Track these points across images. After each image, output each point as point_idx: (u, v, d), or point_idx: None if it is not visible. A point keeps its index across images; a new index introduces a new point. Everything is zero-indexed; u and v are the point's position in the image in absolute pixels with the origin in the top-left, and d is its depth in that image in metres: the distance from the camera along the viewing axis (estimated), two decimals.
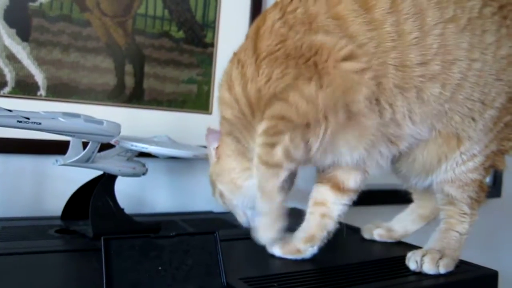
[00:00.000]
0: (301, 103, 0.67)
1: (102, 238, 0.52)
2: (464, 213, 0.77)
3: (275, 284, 0.59)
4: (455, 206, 0.78)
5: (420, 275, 0.70)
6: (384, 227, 0.91)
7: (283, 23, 0.71)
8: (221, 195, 0.82)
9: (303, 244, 0.76)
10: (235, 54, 0.78)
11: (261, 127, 0.70)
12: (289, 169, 0.71)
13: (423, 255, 0.71)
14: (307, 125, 0.67)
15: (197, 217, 1.01)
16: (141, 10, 1.05)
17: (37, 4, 0.94)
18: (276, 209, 0.71)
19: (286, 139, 0.68)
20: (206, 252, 0.59)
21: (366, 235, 0.91)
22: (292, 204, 0.83)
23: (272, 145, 0.69)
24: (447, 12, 0.67)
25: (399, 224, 0.91)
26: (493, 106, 0.72)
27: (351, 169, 0.79)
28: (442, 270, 0.70)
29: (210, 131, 0.85)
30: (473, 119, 0.72)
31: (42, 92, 0.96)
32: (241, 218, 0.83)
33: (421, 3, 0.66)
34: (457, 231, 0.77)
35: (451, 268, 0.72)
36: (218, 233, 0.59)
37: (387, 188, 1.27)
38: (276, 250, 0.75)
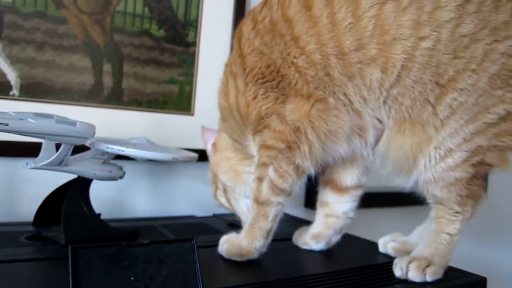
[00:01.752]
0: (279, 126, 0.71)
1: (69, 247, 0.49)
2: (455, 212, 0.73)
3: None
4: (443, 205, 0.73)
5: (406, 282, 0.67)
6: (399, 240, 0.84)
7: (256, 33, 0.75)
8: (224, 189, 0.86)
9: (310, 240, 0.83)
10: (227, 65, 0.82)
11: (256, 157, 0.76)
12: (279, 203, 0.73)
13: (409, 262, 0.69)
14: (289, 148, 0.71)
15: (178, 222, 0.98)
16: (120, 7, 1.01)
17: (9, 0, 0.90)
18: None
19: (270, 171, 0.72)
20: (182, 260, 0.55)
21: (381, 248, 0.84)
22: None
23: (260, 180, 0.74)
24: None
25: (416, 237, 0.83)
26: (456, 87, 0.66)
27: (346, 168, 0.83)
28: (429, 278, 0.68)
29: (205, 129, 0.90)
30: (429, 102, 0.67)
31: (15, 91, 0.91)
32: (244, 217, 0.85)
33: None
34: (447, 233, 0.72)
35: (439, 275, 0.69)
36: (196, 240, 0.56)
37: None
38: (295, 238, 0.85)
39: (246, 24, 0.77)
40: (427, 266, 0.68)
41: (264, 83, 0.74)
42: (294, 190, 0.74)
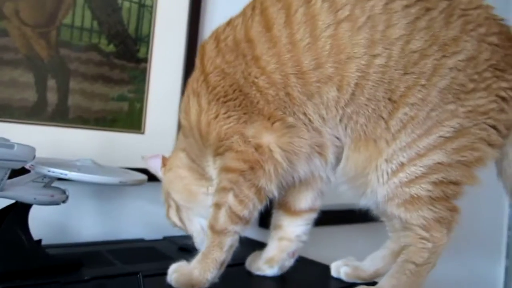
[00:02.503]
0: (242, 146, 0.71)
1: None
2: (422, 238, 0.70)
3: None
4: (411, 230, 0.71)
5: None
6: (352, 265, 0.83)
7: (218, 52, 0.75)
8: (177, 208, 0.83)
9: (263, 264, 0.82)
10: (188, 83, 0.81)
11: (215, 181, 0.75)
12: (236, 232, 0.71)
13: None
14: (252, 169, 0.70)
15: (126, 246, 0.93)
16: (67, 20, 0.97)
17: None
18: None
19: (229, 197, 0.71)
20: None
21: (333, 273, 0.83)
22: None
23: (218, 207, 0.71)
24: (342, 13, 0.68)
25: (369, 262, 0.83)
26: (407, 102, 0.67)
27: (301, 191, 0.83)
28: None
29: (147, 158, 0.88)
30: (382, 118, 0.68)
31: None
32: (198, 236, 0.82)
33: (313, 11, 0.68)
34: (413, 262, 0.70)
35: None
36: (142, 274, 0.53)
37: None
38: (248, 263, 0.83)
39: (209, 43, 0.77)
40: None
41: (226, 102, 0.73)
42: (252, 219, 0.72)
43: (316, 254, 0.94)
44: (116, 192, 1.04)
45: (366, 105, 0.68)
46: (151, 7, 1.07)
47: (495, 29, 0.71)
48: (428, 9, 0.68)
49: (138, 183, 0.81)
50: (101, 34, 1.01)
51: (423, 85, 0.67)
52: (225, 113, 0.72)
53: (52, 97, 0.95)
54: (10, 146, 0.65)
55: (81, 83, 0.98)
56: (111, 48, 1.02)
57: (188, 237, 0.85)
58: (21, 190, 0.72)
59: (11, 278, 0.65)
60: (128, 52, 1.05)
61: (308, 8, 0.69)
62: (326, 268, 0.84)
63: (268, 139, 0.70)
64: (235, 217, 0.70)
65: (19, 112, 0.92)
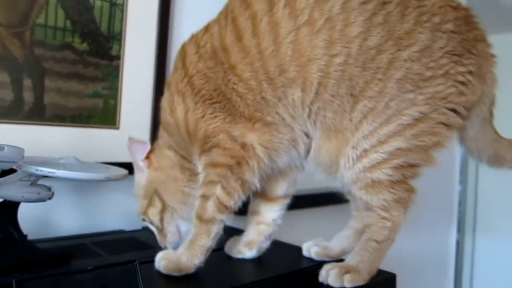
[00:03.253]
0: (228, 143, 0.76)
1: (13, 280, 0.49)
2: (383, 218, 0.77)
3: None
4: (373, 211, 0.77)
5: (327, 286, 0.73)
6: (321, 245, 0.90)
7: (199, 57, 0.79)
8: (164, 209, 0.86)
9: (243, 248, 0.88)
10: (169, 82, 0.85)
11: (201, 175, 0.79)
12: (222, 220, 0.77)
13: (330, 269, 0.74)
14: (239, 164, 0.76)
15: (108, 238, 0.98)
16: (41, 20, 0.98)
17: None
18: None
19: (217, 189, 0.76)
20: (126, 283, 0.57)
21: (305, 252, 0.90)
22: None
23: (206, 198, 0.77)
24: (301, 19, 0.73)
25: (336, 241, 0.90)
26: (365, 95, 0.73)
27: (278, 180, 0.89)
28: (347, 284, 0.73)
29: (133, 140, 0.88)
30: (346, 112, 0.74)
31: None
32: (172, 237, 0.86)
33: (275, 19, 0.73)
34: (375, 240, 0.77)
35: (359, 282, 0.74)
36: (138, 262, 0.58)
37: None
38: (227, 248, 0.89)
39: (190, 47, 0.82)
40: (346, 273, 0.73)
41: (212, 104, 0.78)
42: (236, 208, 0.78)
43: (287, 237, 1.01)
44: (93, 186, 1.07)
45: (331, 101, 0.74)
46: (122, 5, 1.10)
47: (450, 16, 0.74)
48: (384, 3, 0.73)
49: (121, 178, 0.85)
50: (75, 33, 1.03)
51: (380, 79, 0.72)
52: (211, 113, 0.78)
53: (28, 96, 0.97)
54: (0, 148, 0.68)
55: (56, 81, 1.01)
56: (84, 46, 1.05)
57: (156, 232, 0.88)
58: (9, 189, 0.75)
59: (5, 273, 0.69)
60: (101, 50, 1.07)
61: (271, 16, 0.74)
62: (298, 249, 0.92)
63: (251, 138, 0.77)
64: (222, 207, 0.76)
65: None
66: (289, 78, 0.74)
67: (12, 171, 0.76)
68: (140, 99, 1.14)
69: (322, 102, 0.74)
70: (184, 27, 1.21)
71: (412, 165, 0.76)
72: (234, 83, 0.76)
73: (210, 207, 0.76)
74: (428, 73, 0.73)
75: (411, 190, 0.78)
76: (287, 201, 0.90)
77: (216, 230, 0.76)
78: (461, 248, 4.20)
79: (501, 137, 0.87)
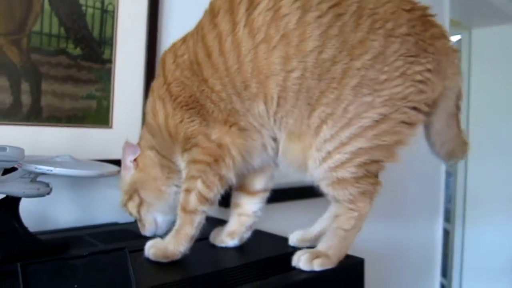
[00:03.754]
0: (206, 143, 0.84)
1: (18, 264, 0.57)
2: (350, 209, 0.83)
3: None
4: (340, 202, 0.84)
5: (301, 270, 0.80)
6: (301, 232, 0.97)
7: (176, 66, 0.86)
8: (141, 203, 0.94)
9: (226, 237, 0.95)
10: (152, 88, 0.93)
11: (184, 171, 0.87)
12: (204, 211, 0.85)
13: (301, 255, 0.81)
14: (216, 161, 0.83)
15: (103, 229, 1.05)
16: (36, 27, 1.05)
17: None
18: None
19: (198, 183, 0.84)
20: (117, 267, 0.65)
21: (290, 242, 0.97)
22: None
23: (188, 191, 0.84)
24: (258, 37, 0.78)
25: (317, 224, 0.96)
26: (321, 103, 0.78)
27: (256, 175, 0.96)
28: (316, 268, 0.80)
29: (128, 144, 0.96)
30: (304, 118, 0.80)
31: None
32: (150, 226, 0.95)
33: (237, 38, 0.80)
34: (343, 229, 0.83)
35: (327, 266, 0.81)
36: (128, 249, 0.66)
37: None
38: (212, 238, 0.96)
39: (169, 56, 0.89)
40: (316, 257, 0.81)
41: (188, 109, 0.86)
42: (216, 201, 0.86)
43: (274, 228, 1.09)
44: (89, 181, 1.14)
45: (292, 110, 0.81)
46: (113, 12, 1.17)
47: (404, 20, 0.78)
48: (339, 15, 0.77)
49: (114, 174, 0.93)
50: (68, 39, 1.10)
51: (335, 88, 0.77)
52: (188, 117, 0.85)
53: (26, 99, 1.04)
54: (3, 148, 0.75)
55: (52, 84, 1.08)
56: (78, 51, 1.12)
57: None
58: (11, 186, 0.82)
59: (9, 262, 0.76)
60: (94, 54, 1.14)
61: (234, 36, 0.80)
62: (285, 240, 0.99)
63: (227, 140, 0.84)
64: (203, 199, 0.84)
65: None
66: (253, 93, 0.81)
67: (13, 169, 0.84)
68: (131, 100, 1.21)
69: (284, 112, 0.82)
70: (172, 32, 1.28)
71: (375, 161, 0.82)
72: (207, 93, 0.84)
73: (193, 199, 0.84)
74: (383, 77, 0.77)
75: (376, 182, 0.84)
76: (266, 194, 0.98)
77: (198, 219, 0.84)
78: (452, 238, 4.28)
79: (462, 133, 0.94)
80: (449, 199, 4.33)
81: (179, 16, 1.30)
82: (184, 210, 0.84)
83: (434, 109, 0.87)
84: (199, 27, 0.87)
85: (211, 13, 0.85)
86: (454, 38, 4.23)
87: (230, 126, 0.84)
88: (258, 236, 1.00)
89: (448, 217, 4.34)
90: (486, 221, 4.01)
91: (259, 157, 0.89)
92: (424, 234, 2.71)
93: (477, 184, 4.10)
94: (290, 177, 0.96)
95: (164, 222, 0.94)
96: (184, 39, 0.89)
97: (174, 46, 0.91)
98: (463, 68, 4.06)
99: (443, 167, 2.90)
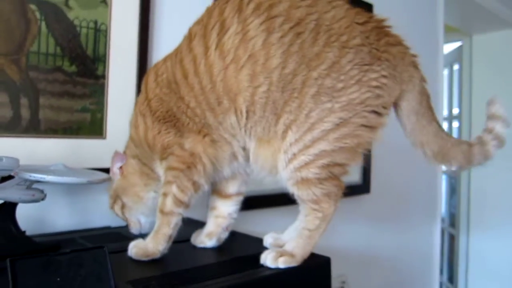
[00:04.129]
0: (180, 152, 0.93)
1: (8, 260, 0.65)
2: (314, 210, 0.89)
3: (153, 282, 0.75)
4: (305, 204, 0.90)
5: (268, 268, 0.87)
6: (275, 237, 1.02)
7: (157, 84, 0.96)
8: (123, 206, 1.04)
9: (204, 238, 1.03)
10: (136, 103, 1.04)
11: (162, 177, 0.97)
12: (179, 213, 0.93)
13: (268, 253, 0.88)
14: (189, 168, 0.92)
15: (96, 233, 1.14)
16: (34, 48, 1.15)
17: None
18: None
19: (173, 187, 0.93)
20: (97, 263, 0.73)
21: (264, 243, 1.02)
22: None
23: (165, 195, 0.93)
24: (228, 58, 0.87)
25: (287, 232, 1.01)
26: (285, 111, 0.86)
27: (229, 181, 1.04)
28: (281, 265, 0.86)
29: (116, 153, 1.06)
30: (272, 126, 0.89)
31: None
32: (135, 226, 1.05)
33: (210, 61, 0.88)
34: (307, 229, 0.90)
35: (292, 264, 0.87)
36: (107, 247, 0.74)
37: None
38: (192, 239, 1.04)
39: (150, 75, 0.99)
40: (281, 256, 0.87)
41: (165, 122, 0.95)
42: (191, 203, 0.94)
43: (255, 232, 1.16)
44: (84, 188, 1.23)
45: (260, 120, 0.89)
46: (106, 31, 1.26)
47: (357, 32, 0.86)
48: (299, 33, 0.84)
49: (103, 181, 1.01)
50: (64, 57, 1.19)
51: (296, 97, 0.86)
52: (165, 129, 0.95)
53: (25, 113, 1.14)
54: (0, 159, 0.85)
55: (49, 99, 1.17)
56: (73, 68, 1.21)
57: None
58: (8, 192, 0.91)
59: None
60: (88, 70, 1.24)
61: (206, 59, 0.89)
62: (257, 240, 1.07)
63: (199, 149, 0.93)
64: (178, 202, 0.92)
65: None
66: (225, 107, 0.90)
67: (10, 177, 0.93)
68: (124, 112, 1.29)
69: (253, 122, 0.90)
70: (162, 49, 1.37)
71: (338, 164, 0.89)
72: (183, 109, 0.93)
73: (169, 202, 0.92)
74: (340, 85, 0.85)
75: (340, 185, 0.91)
76: (240, 198, 1.06)
77: (175, 221, 0.93)
78: (457, 243, 4.28)
79: (447, 135, 0.97)
80: (455, 205, 4.34)
81: (168, 35, 1.39)
82: (162, 212, 0.93)
83: (398, 111, 0.95)
84: (178, 50, 0.96)
85: (189, 38, 0.95)
86: (456, 45, 4.28)
87: (203, 136, 0.93)
88: (236, 238, 1.07)
89: (454, 222, 4.36)
90: (490, 226, 4.02)
91: (229, 165, 0.97)
92: (422, 237, 2.74)
93: (480, 190, 4.11)
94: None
95: (147, 223, 1.04)
96: (164, 60, 0.99)
97: (156, 66, 1.00)
98: (464, 74, 4.10)
99: (439, 172, 2.93)
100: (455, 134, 4.27)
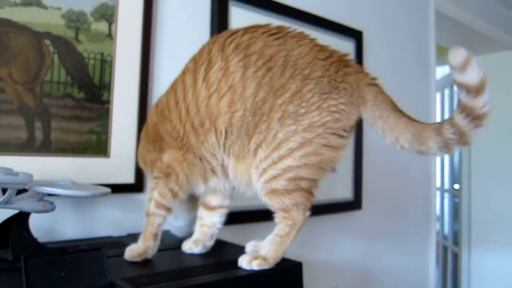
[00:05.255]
0: (160, 164, 1.11)
1: (22, 257, 0.79)
2: (285, 218, 1.00)
3: (143, 279, 0.89)
4: (277, 212, 1.01)
5: (243, 270, 0.99)
6: (255, 244, 1.11)
7: (155, 112, 1.17)
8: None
9: (192, 244, 1.16)
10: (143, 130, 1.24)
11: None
12: (162, 215, 1.09)
13: (244, 257, 1.01)
14: (166, 177, 1.08)
15: (99, 241, 1.27)
16: (48, 77, 1.31)
17: None
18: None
19: (155, 194, 1.09)
20: (96, 262, 0.86)
21: (246, 250, 1.10)
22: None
23: (150, 200, 1.10)
24: (212, 89, 1.03)
25: (266, 242, 1.08)
26: (256, 132, 1.00)
27: (212, 194, 1.19)
28: (255, 267, 0.97)
29: None
30: (245, 145, 1.02)
31: None
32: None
33: (197, 91, 1.06)
34: (278, 235, 1.00)
35: (265, 266, 0.98)
36: (105, 249, 0.88)
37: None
38: (182, 246, 1.17)
39: (153, 106, 1.20)
40: (255, 259, 1.00)
41: (154, 142, 1.12)
42: (172, 207, 1.10)
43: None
44: (89, 201, 1.38)
45: (236, 140, 1.04)
46: (111, 61, 1.42)
47: (318, 66, 1.00)
48: (270, 68, 0.99)
49: (105, 195, 1.15)
50: (74, 85, 1.35)
51: (265, 120, 1.00)
52: (153, 148, 1.12)
53: (38, 134, 1.29)
54: (16, 174, 0.99)
55: (60, 122, 1.33)
56: (81, 95, 1.37)
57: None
58: (23, 203, 1.05)
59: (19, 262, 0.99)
60: (95, 97, 1.39)
61: (194, 89, 1.06)
62: (241, 248, 1.19)
63: (175, 164, 1.08)
64: (158, 205, 1.08)
65: (15, 147, 1.25)
66: (206, 128, 1.06)
67: (24, 190, 1.08)
68: (126, 134, 1.45)
69: (231, 141, 1.05)
70: (161, 78, 1.53)
71: (304, 178, 1.00)
72: (169, 130, 1.10)
73: (152, 205, 1.09)
74: (302, 110, 0.98)
75: (307, 196, 1.01)
76: (224, 210, 1.19)
77: (158, 221, 1.08)
78: (459, 260, 4.33)
79: (418, 123, 1.00)
80: (456, 222, 4.39)
81: (167, 65, 1.55)
82: (147, 214, 1.09)
83: (367, 121, 1.05)
84: (174, 83, 1.14)
85: (183, 72, 1.13)
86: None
87: (182, 153, 1.09)
88: (222, 246, 1.20)
89: (456, 240, 4.41)
90: (492, 243, 4.05)
91: (205, 179, 1.12)
92: (417, 254, 2.79)
93: (481, 208, 4.16)
94: None
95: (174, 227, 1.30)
96: (164, 93, 1.17)
97: (158, 99, 1.19)
98: None
99: (433, 188, 2.97)
100: (456, 152, 4.35)
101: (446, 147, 0.96)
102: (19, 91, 1.26)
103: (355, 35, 2.27)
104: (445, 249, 4.61)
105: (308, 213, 1.03)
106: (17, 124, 1.26)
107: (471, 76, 0.87)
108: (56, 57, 1.32)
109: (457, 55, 0.87)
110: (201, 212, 1.19)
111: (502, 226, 3.96)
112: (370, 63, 2.39)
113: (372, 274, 2.42)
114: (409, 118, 1.01)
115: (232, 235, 1.38)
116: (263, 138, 1.01)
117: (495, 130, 4.00)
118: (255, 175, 1.03)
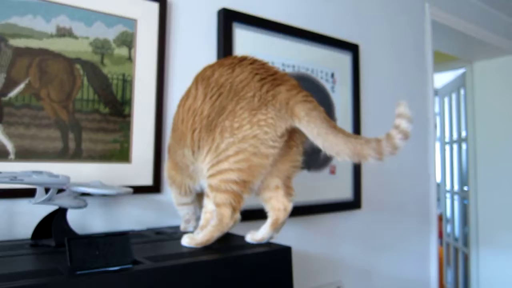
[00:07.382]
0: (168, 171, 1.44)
1: (66, 238, 1.02)
2: (218, 212, 1.19)
3: (159, 258, 1.11)
4: (215, 206, 1.21)
5: (237, 251, 1.22)
6: (252, 232, 1.28)
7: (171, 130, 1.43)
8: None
9: (199, 230, 1.32)
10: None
11: None
12: (185, 203, 1.46)
13: (184, 236, 1.25)
14: (170, 178, 1.41)
15: None
16: (79, 96, 1.54)
17: (7, 98, 1.42)
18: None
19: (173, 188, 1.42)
20: (122, 244, 1.08)
21: (246, 239, 1.28)
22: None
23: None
24: (185, 112, 1.28)
25: (259, 231, 1.27)
26: (205, 144, 1.22)
27: None
28: (183, 243, 1.23)
29: None
30: (199, 153, 1.25)
31: (11, 156, 1.42)
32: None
33: (179, 113, 1.33)
34: (211, 225, 1.21)
35: (191, 245, 1.21)
36: (129, 234, 1.10)
37: None
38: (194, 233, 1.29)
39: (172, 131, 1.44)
40: (188, 238, 1.23)
41: (168, 152, 1.40)
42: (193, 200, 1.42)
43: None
44: (115, 200, 1.61)
45: (198, 151, 1.28)
46: (131, 81, 1.66)
47: (251, 88, 1.16)
48: (221, 94, 1.20)
49: (127, 193, 1.38)
50: (100, 102, 1.59)
51: (212, 134, 1.20)
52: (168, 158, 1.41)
53: (71, 144, 1.53)
54: (57, 176, 1.23)
55: (89, 134, 1.56)
56: (107, 110, 1.60)
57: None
58: (62, 201, 1.29)
59: (61, 247, 1.22)
60: (118, 111, 1.63)
61: (177, 113, 1.36)
62: (241, 237, 1.40)
63: (170, 168, 1.41)
64: (183, 192, 1.43)
65: (53, 155, 1.49)
66: (183, 144, 1.33)
67: (63, 190, 1.31)
68: (145, 143, 1.68)
69: (196, 151, 1.30)
70: (175, 94, 1.75)
71: (236, 182, 1.16)
72: (169, 143, 1.40)
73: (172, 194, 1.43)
74: (236, 125, 1.16)
75: (237, 199, 1.18)
76: None
77: (185, 210, 1.43)
78: (469, 262, 4.41)
79: (355, 138, 1.08)
80: (466, 223, 4.46)
81: (179, 82, 1.77)
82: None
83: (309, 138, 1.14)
84: (180, 100, 1.40)
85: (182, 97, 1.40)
86: (458, 72, 4.52)
87: (172, 161, 1.42)
88: (227, 235, 1.41)
89: (466, 242, 4.49)
90: (498, 245, 4.12)
91: (191, 180, 1.42)
92: (417, 252, 2.84)
93: (488, 209, 4.22)
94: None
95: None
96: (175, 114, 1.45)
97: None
98: (468, 98, 4.31)
99: (433, 185, 3.01)
100: (463, 155, 4.43)
101: (380, 159, 1.07)
102: (56, 108, 1.50)
103: (351, 48, 2.45)
104: (456, 250, 4.69)
105: (238, 215, 1.20)
106: (54, 136, 1.50)
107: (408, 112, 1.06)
108: (85, 78, 1.56)
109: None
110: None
111: (509, 227, 4.03)
112: (367, 75, 2.56)
113: (374, 269, 2.51)
114: (345, 134, 1.10)
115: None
116: (209, 149, 1.22)
117: (500, 133, 4.10)
118: (204, 175, 1.25)
